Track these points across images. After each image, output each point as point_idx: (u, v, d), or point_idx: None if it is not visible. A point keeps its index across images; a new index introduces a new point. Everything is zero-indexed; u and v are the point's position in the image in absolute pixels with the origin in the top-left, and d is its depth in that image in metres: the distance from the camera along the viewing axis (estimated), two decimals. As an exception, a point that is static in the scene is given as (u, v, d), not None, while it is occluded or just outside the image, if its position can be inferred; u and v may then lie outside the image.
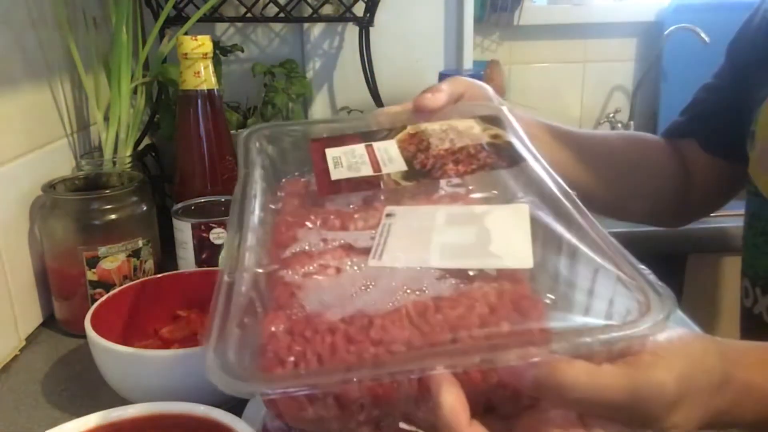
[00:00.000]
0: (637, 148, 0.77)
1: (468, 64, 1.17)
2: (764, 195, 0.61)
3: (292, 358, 0.31)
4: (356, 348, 0.31)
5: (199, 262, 0.72)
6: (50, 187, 0.70)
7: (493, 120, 0.50)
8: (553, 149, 0.66)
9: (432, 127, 0.49)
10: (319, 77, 1.17)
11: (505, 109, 0.52)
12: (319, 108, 1.18)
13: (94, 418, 0.44)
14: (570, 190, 0.42)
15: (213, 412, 0.44)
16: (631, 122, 1.71)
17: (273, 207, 0.43)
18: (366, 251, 0.37)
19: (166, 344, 0.62)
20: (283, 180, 0.46)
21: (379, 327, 0.32)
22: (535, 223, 0.39)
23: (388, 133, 0.49)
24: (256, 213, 0.41)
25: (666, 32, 1.59)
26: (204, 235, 0.71)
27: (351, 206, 0.42)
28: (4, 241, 0.67)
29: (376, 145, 0.47)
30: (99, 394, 0.60)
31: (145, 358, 0.53)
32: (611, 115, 1.70)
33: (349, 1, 0.98)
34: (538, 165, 0.44)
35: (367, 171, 0.45)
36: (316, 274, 0.36)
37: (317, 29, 1.14)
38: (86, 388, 0.62)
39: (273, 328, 0.33)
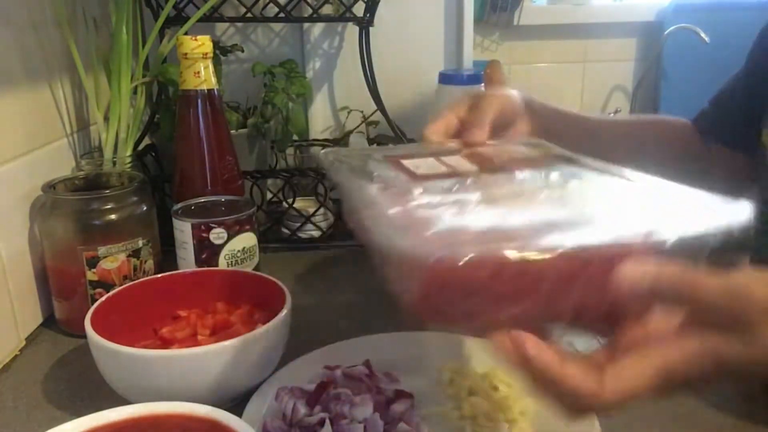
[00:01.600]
0: (661, 128, 0.80)
1: (468, 64, 1.17)
2: None
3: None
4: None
5: (199, 262, 0.72)
6: (50, 187, 0.70)
7: (537, 145, 0.58)
8: (579, 140, 0.70)
9: (486, 150, 0.56)
10: (319, 77, 1.17)
11: (549, 144, 0.58)
12: (319, 108, 1.18)
13: (94, 419, 0.44)
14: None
15: (213, 413, 0.44)
16: (631, 122, 1.71)
17: (377, 186, 0.45)
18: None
19: (166, 344, 0.62)
20: (374, 173, 0.50)
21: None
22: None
23: (449, 153, 0.55)
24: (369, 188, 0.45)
25: (666, 32, 1.59)
26: (204, 235, 0.71)
27: (444, 185, 0.46)
28: (4, 241, 0.67)
29: (444, 158, 0.53)
30: (99, 394, 0.60)
31: (145, 358, 0.53)
32: (611, 114, 1.70)
33: (349, 1, 0.97)
34: (591, 160, 0.51)
35: (445, 170, 0.50)
36: (446, 209, 0.40)
37: (317, 29, 1.14)
38: (86, 388, 0.62)
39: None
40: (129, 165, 0.82)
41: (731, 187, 0.78)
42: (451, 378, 0.61)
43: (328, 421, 0.52)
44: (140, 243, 0.72)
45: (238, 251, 0.73)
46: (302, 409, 0.54)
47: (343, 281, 0.86)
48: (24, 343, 0.70)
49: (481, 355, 0.64)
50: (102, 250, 0.69)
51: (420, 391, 0.59)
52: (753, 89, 0.73)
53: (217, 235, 0.72)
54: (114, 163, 0.82)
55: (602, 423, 0.53)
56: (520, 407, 0.56)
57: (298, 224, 0.96)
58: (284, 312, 0.59)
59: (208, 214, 0.73)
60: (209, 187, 0.79)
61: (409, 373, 0.62)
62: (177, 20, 0.92)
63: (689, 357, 0.35)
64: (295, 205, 0.96)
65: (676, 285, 0.35)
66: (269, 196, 0.98)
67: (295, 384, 0.58)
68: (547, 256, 0.34)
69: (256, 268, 0.75)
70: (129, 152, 0.84)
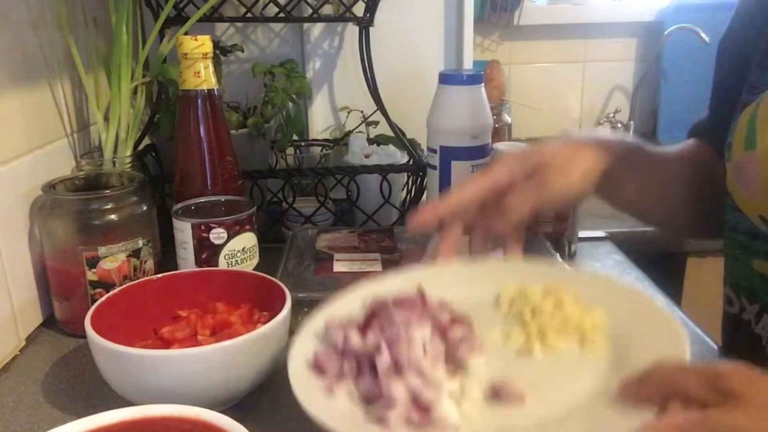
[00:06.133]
0: (699, 162, 0.72)
1: (468, 64, 1.17)
2: (740, 209, 0.60)
3: None
4: None
5: (199, 262, 0.72)
6: (50, 187, 0.70)
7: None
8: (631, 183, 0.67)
9: None
10: (319, 77, 1.17)
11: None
12: (319, 108, 1.18)
13: (93, 420, 0.44)
14: None
15: (214, 417, 0.43)
16: (631, 122, 1.71)
17: None
18: None
19: (166, 344, 0.62)
20: None
21: None
22: None
23: None
24: None
25: (666, 32, 1.59)
26: (204, 235, 0.71)
27: None
28: (4, 241, 0.67)
29: None
30: (99, 394, 0.60)
31: (145, 358, 0.53)
32: (611, 115, 1.70)
33: (349, 1, 0.97)
34: None
35: None
36: None
37: (317, 29, 1.14)
38: (86, 388, 0.62)
39: None
40: (129, 165, 0.82)
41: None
42: (512, 300, 0.56)
43: (384, 345, 0.47)
44: (140, 243, 0.72)
45: (238, 251, 0.73)
46: (354, 338, 0.50)
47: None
48: (24, 343, 0.70)
49: (539, 276, 0.57)
50: (102, 250, 0.69)
51: (478, 317, 0.53)
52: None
53: (217, 235, 0.72)
54: (114, 163, 0.82)
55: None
56: (591, 322, 0.51)
57: (298, 224, 0.96)
58: (284, 312, 0.59)
59: (208, 214, 0.73)
60: (209, 187, 0.79)
61: (463, 302, 0.55)
62: (177, 20, 0.92)
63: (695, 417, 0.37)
64: (295, 205, 0.96)
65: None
66: (269, 196, 0.98)
67: None
68: None
69: (256, 268, 0.75)
70: (129, 152, 0.84)
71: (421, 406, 0.45)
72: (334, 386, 0.48)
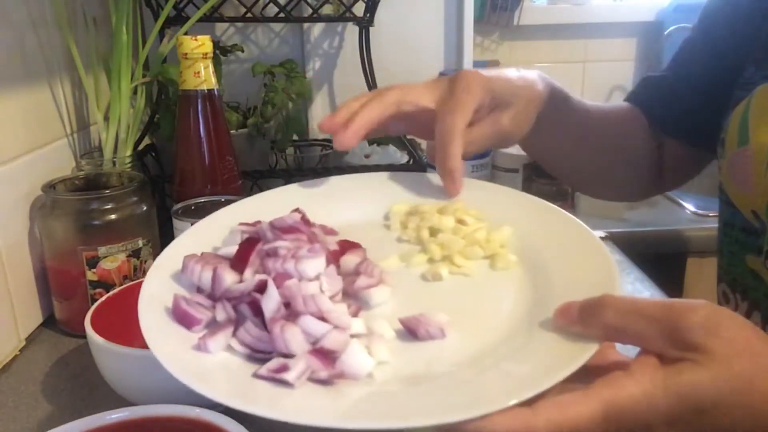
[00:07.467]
0: (624, 126, 0.75)
1: (468, 64, 1.17)
2: (735, 204, 0.60)
3: None
4: None
5: (199, 262, 0.72)
6: (50, 187, 0.70)
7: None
8: (561, 127, 0.67)
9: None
10: (319, 77, 1.17)
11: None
12: (319, 108, 1.18)
13: (93, 420, 0.44)
14: None
15: (214, 417, 0.43)
16: (631, 122, 1.71)
17: None
18: None
19: (166, 344, 0.62)
20: None
21: None
22: None
23: None
24: None
25: (666, 32, 1.59)
26: (204, 235, 0.71)
27: None
28: (4, 241, 0.67)
29: None
30: (99, 394, 0.60)
31: (145, 358, 0.53)
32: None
33: (349, 1, 0.98)
34: None
35: None
36: None
37: (317, 29, 1.14)
38: (86, 388, 0.62)
39: None
40: (129, 165, 0.82)
41: (682, 180, 0.77)
42: (403, 221, 0.49)
43: (271, 283, 0.38)
44: (140, 243, 0.72)
45: (238, 251, 0.73)
46: (228, 277, 0.40)
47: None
48: (24, 343, 0.70)
49: (428, 190, 0.52)
50: (102, 250, 0.69)
51: (367, 243, 0.45)
52: (716, 86, 0.66)
53: (217, 235, 0.71)
54: (114, 163, 0.82)
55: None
56: (499, 239, 0.45)
57: (298, 224, 0.96)
58: (284, 312, 0.58)
59: (208, 214, 0.73)
60: (209, 187, 0.79)
61: (344, 226, 0.48)
62: (177, 20, 0.92)
63: (639, 396, 0.32)
64: (295, 205, 0.96)
65: (622, 303, 0.34)
66: (269, 196, 0.98)
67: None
68: None
69: (256, 268, 0.75)
70: (129, 152, 0.84)
71: (326, 356, 0.36)
72: (207, 341, 0.38)
